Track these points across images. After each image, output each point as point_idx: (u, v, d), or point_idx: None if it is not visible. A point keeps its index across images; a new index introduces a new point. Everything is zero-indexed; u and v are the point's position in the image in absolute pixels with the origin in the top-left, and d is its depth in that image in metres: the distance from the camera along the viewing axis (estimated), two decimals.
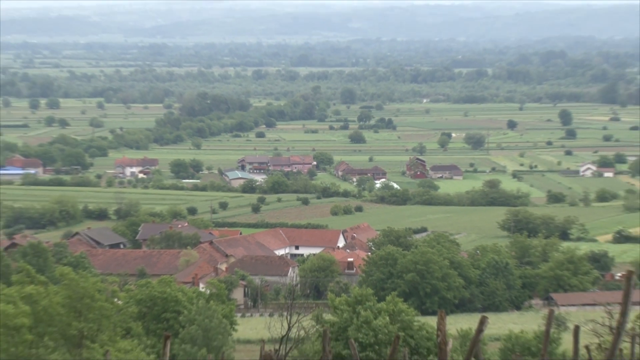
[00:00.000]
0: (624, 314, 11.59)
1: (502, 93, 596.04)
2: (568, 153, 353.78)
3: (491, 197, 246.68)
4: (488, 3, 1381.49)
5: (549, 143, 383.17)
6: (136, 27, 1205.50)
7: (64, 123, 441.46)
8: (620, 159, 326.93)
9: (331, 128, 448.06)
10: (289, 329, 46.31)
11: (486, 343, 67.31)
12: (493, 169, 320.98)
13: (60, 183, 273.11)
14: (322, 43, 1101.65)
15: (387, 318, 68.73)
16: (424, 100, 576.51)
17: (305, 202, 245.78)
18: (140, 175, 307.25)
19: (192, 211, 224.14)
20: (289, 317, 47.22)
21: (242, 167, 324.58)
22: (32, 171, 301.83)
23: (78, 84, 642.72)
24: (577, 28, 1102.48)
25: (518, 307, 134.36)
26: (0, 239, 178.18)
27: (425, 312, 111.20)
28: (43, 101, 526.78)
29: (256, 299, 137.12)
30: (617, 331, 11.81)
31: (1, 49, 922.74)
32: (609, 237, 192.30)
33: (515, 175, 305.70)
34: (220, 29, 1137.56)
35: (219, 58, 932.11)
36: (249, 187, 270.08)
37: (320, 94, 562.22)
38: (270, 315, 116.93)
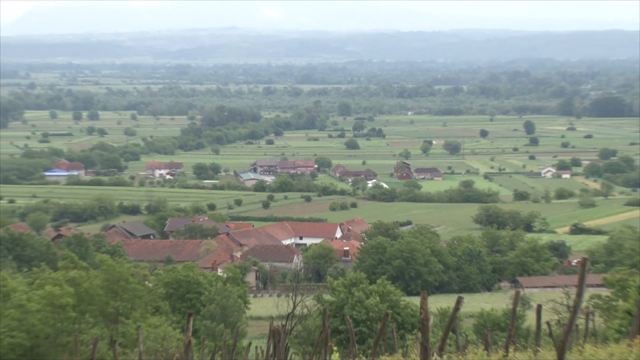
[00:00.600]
0: (579, 294, 11.60)
1: (475, 107, 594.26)
2: (531, 158, 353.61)
3: (466, 195, 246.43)
4: (463, 30, 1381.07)
5: (515, 149, 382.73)
6: (164, 50, 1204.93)
7: (102, 132, 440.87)
8: (576, 163, 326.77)
9: (330, 136, 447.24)
10: (294, 307, 46.28)
11: (462, 319, 67.18)
12: (467, 171, 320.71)
13: (99, 183, 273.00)
14: (322, 64, 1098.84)
15: (378, 298, 68.76)
16: (409, 113, 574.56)
17: (308, 199, 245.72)
18: (167, 177, 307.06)
19: (212, 207, 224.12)
20: (294, 297, 47.17)
21: (254, 170, 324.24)
22: (75, 173, 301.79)
23: (114, 99, 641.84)
24: (539, 52, 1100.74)
25: (489, 289, 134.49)
26: (48, 231, 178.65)
27: (410, 293, 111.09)
28: (85, 113, 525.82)
29: (266, 282, 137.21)
30: (574, 309, 11.81)
31: (49, 69, 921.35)
32: (567, 229, 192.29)
33: (487, 176, 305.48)
34: (235, 52, 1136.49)
35: (235, 77, 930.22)
36: (260, 187, 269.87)
37: (321, 107, 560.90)
38: (278, 295, 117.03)
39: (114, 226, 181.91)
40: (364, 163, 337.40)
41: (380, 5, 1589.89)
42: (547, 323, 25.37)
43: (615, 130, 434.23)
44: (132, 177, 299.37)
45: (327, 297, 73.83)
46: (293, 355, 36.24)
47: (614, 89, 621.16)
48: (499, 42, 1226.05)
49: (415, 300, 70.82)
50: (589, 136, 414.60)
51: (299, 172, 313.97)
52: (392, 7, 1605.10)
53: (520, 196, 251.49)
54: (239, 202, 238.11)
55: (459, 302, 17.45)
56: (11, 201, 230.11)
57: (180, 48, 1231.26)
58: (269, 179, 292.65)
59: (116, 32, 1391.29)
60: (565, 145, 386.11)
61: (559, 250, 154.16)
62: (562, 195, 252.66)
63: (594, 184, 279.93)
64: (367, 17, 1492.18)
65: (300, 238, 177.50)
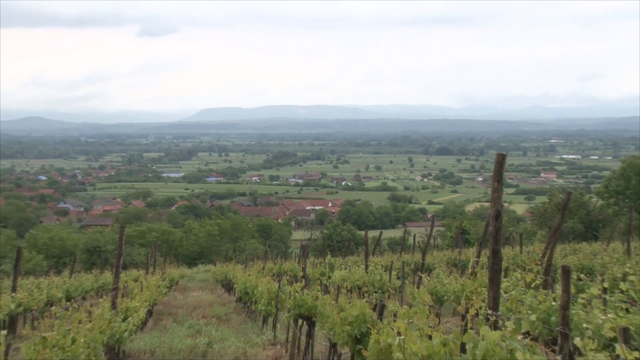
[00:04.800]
0: (431, 229, 11.66)
1: (388, 151, 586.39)
2: (411, 172, 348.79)
3: (383, 188, 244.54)
4: (383, 118, 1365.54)
5: (405, 169, 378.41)
6: (256, 127, 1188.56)
7: (229, 161, 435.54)
8: (430, 174, 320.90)
9: (326, 163, 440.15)
10: (311, 235, 46.11)
11: (382, 242, 67.06)
12: (385, 178, 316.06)
13: (227, 183, 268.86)
14: (323, 132, 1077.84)
15: (347, 232, 68.68)
16: (360, 153, 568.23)
17: (317, 189, 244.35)
18: (257, 180, 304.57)
19: (276, 193, 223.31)
20: (312, 231, 47.01)
21: (294, 177, 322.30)
22: (219, 179, 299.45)
23: (237, 147, 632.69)
24: (416, 127, 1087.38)
25: (394, 228, 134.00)
26: (207, 203, 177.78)
27: (360, 229, 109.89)
28: (223, 153, 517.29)
29: (300, 225, 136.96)
30: (429, 236, 11.86)
31: (207, 135, 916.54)
32: (426, 202, 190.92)
33: (393, 180, 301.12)
34: (286, 127, 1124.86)
35: (285, 138, 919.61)
36: (296, 184, 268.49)
37: (322, 150, 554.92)
38: (305, 230, 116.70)
39: (234, 201, 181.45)
40: (340, 174, 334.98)
41: (346, 108, 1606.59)
42: (418, 242, 25.38)
43: (446, 161, 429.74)
44: (242, 180, 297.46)
45: (325, 231, 73.76)
46: (311, 256, 36.15)
47: (446, 144, 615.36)
48: (399, 120, 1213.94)
49: (362, 233, 70.46)
50: (435, 163, 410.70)
51: (313, 178, 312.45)
52: (352, 109, 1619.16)
53: (406, 189, 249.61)
54: (287, 191, 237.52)
55: (380, 234, 17.53)
56: (211, 192, 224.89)
57: (262, 126, 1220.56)
58: (300, 180, 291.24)
59: (235, 119, 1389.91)
60: (425, 167, 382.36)
61: (422, 211, 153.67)
62: (424, 188, 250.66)
63: (437, 183, 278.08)
64: (343, 113, 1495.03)
65: (314, 206, 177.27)
